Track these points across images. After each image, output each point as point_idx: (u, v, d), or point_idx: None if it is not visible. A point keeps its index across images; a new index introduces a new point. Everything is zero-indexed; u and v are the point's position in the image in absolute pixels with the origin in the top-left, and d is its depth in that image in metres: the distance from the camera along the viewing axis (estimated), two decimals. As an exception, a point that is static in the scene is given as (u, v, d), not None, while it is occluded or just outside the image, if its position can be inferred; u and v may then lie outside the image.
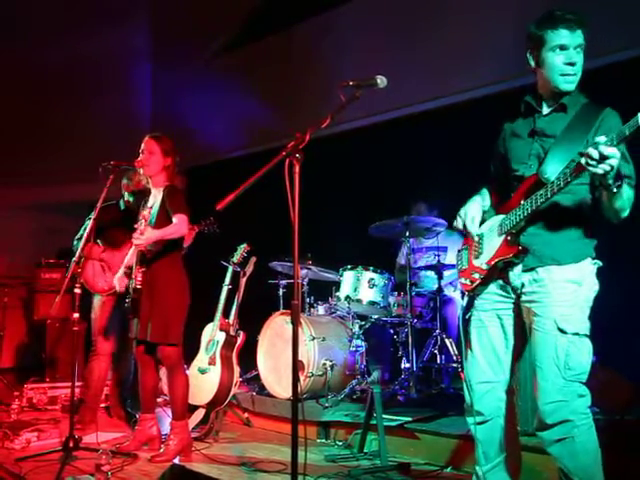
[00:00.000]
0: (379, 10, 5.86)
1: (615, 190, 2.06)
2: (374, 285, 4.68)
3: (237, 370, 4.37)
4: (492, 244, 2.40)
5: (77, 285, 3.66)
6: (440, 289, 4.79)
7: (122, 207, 4.54)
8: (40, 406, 5.09)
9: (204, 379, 4.30)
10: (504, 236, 2.35)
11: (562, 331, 2.21)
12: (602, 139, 1.96)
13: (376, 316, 4.85)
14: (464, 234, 2.56)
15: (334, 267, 4.99)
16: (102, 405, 4.75)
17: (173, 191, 3.71)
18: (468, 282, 2.49)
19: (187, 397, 3.75)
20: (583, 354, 2.23)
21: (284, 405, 4.36)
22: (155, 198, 3.76)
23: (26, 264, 6.92)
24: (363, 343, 4.56)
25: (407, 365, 4.54)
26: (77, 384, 3.69)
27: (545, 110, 2.36)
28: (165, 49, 7.96)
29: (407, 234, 4.65)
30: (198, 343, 4.48)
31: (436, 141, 5.16)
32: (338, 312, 4.84)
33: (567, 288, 2.25)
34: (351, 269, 4.79)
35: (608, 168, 1.96)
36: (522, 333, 2.40)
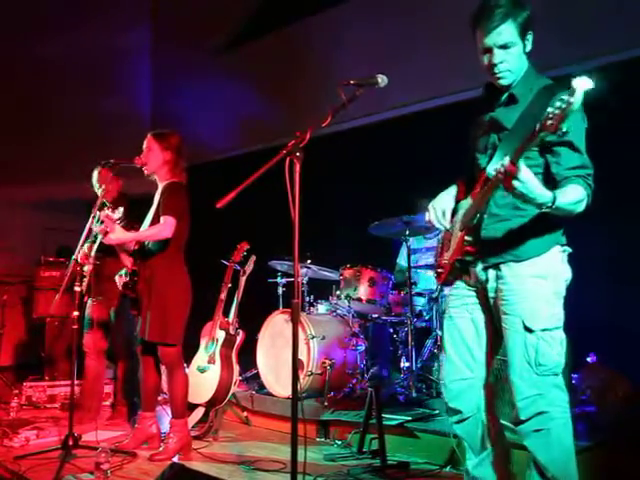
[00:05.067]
0: (379, 8, 5.85)
1: (544, 209, 2.04)
2: (374, 284, 4.68)
3: (236, 369, 4.37)
4: (455, 239, 2.38)
5: (77, 283, 3.67)
6: (440, 288, 4.78)
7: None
8: (39, 404, 5.09)
9: (203, 378, 4.30)
10: (461, 233, 2.32)
11: (529, 329, 2.18)
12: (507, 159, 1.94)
13: (376, 315, 4.85)
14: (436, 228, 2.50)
15: (334, 266, 4.99)
16: (105, 402, 4.80)
17: (171, 189, 3.67)
18: (437, 275, 2.51)
19: (186, 396, 3.75)
20: (554, 348, 2.19)
21: (283, 404, 4.36)
22: (157, 195, 3.75)
23: (26, 262, 6.92)
24: (363, 342, 4.56)
25: (407, 364, 4.54)
26: (76, 382, 3.70)
27: (502, 99, 2.31)
28: (165, 47, 7.95)
29: (407, 233, 4.65)
30: (198, 342, 4.48)
31: (436, 140, 5.16)
32: (338, 311, 4.84)
33: (529, 284, 2.20)
34: (351, 268, 4.79)
35: (512, 187, 1.94)
36: (494, 327, 2.37)
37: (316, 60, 6.29)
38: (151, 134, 3.77)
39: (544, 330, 2.19)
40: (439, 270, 2.47)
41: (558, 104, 1.78)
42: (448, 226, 2.41)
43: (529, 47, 2.24)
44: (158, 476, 2.60)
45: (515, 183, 1.94)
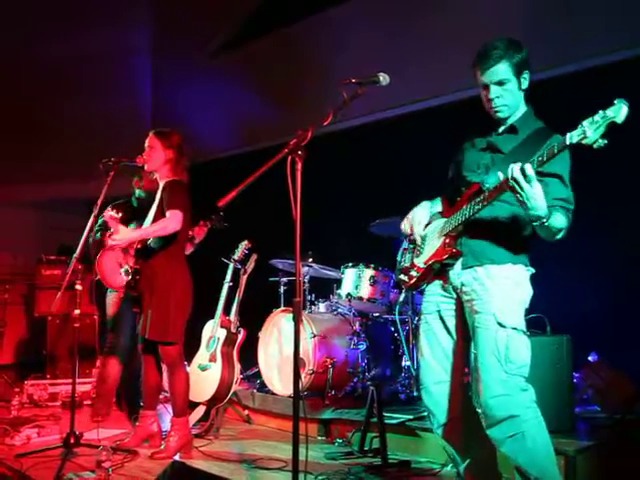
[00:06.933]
0: (379, 7, 5.84)
1: (537, 224, 2.19)
2: (375, 282, 4.68)
3: (238, 367, 4.37)
4: (432, 245, 2.51)
5: (78, 282, 3.68)
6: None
7: (135, 204, 4.55)
8: (40, 402, 5.10)
9: (205, 376, 4.30)
10: (443, 238, 2.45)
11: (501, 325, 2.29)
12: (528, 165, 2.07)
13: (377, 314, 4.85)
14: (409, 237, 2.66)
15: (335, 265, 4.99)
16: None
17: (173, 185, 3.67)
18: (406, 279, 2.64)
19: (187, 394, 3.75)
20: (522, 348, 2.30)
21: (285, 402, 4.36)
22: (158, 193, 3.74)
23: (27, 260, 6.93)
24: (364, 341, 4.56)
25: (408, 363, 4.54)
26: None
27: (500, 129, 2.48)
28: (165, 46, 7.94)
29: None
30: (199, 340, 4.48)
31: (437, 139, 5.15)
32: (339, 309, 4.84)
33: (505, 285, 2.34)
34: (352, 266, 4.78)
35: (518, 189, 2.07)
36: (467, 331, 2.45)
37: (316, 59, 6.28)
38: (153, 132, 3.78)
39: (514, 329, 2.30)
40: (412, 274, 2.58)
41: (597, 117, 1.93)
42: (421, 234, 2.57)
43: (525, 85, 2.41)
44: (159, 474, 2.60)
45: (527, 186, 2.06)
